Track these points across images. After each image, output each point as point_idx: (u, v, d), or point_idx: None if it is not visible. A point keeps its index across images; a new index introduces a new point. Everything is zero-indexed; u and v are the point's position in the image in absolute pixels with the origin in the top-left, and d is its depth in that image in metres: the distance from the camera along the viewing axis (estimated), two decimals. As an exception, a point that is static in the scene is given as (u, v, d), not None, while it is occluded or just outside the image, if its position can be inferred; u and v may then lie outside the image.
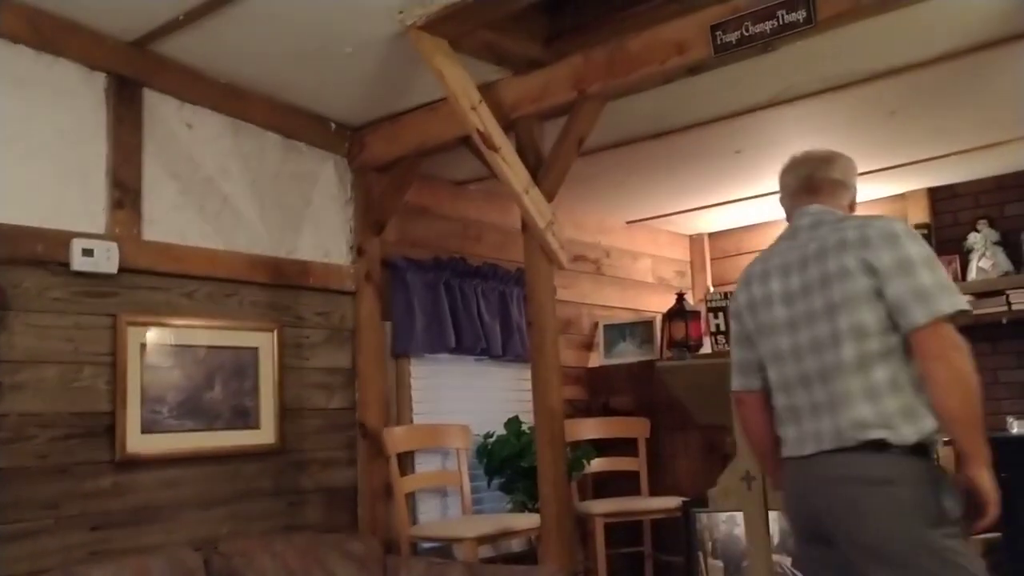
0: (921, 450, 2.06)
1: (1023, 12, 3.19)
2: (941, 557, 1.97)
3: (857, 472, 2.06)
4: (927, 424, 2.06)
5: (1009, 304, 4.92)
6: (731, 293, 2.47)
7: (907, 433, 2.04)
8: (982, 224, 5.20)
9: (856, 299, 2.10)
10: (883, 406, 2.06)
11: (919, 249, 2.10)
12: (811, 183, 2.38)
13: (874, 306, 2.09)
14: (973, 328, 5.17)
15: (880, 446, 2.04)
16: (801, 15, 2.92)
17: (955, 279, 5.15)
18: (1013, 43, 3.43)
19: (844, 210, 2.37)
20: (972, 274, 5.15)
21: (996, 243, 5.13)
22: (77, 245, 3.35)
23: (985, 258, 5.12)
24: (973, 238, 5.20)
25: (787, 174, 2.46)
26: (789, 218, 2.44)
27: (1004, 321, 4.93)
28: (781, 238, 2.39)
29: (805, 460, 2.18)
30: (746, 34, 3.05)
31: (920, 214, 5.46)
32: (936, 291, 2.04)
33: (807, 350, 2.19)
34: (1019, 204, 5.22)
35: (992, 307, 4.96)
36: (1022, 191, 5.22)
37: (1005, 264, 5.08)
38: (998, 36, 3.40)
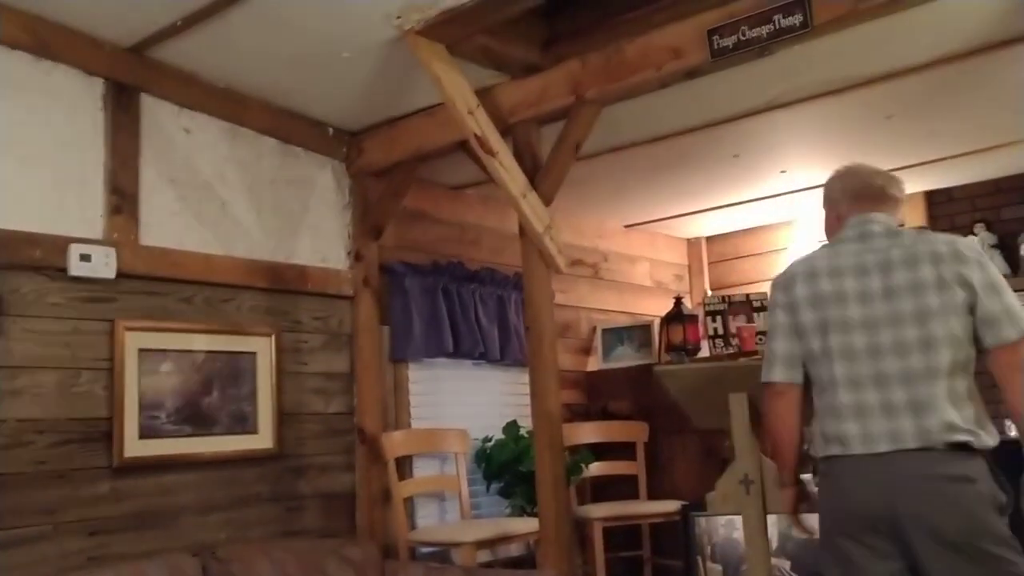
0: (989, 453, 2.23)
1: (1018, 16, 3.20)
2: (1006, 543, 2.17)
3: (944, 471, 2.18)
4: (995, 431, 2.27)
5: (1006, 307, 4.92)
6: (777, 283, 2.46)
7: (986, 439, 2.22)
8: (979, 227, 5.20)
9: (952, 309, 2.25)
10: (965, 412, 2.22)
11: (997, 271, 2.35)
12: (883, 195, 2.48)
13: (964, 319, 2.25)
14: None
15: (963, 448, 2.19)
16: (797, 19, 2.93)
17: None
18: (1009, 47, 3.44)
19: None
20: (969, 277, 5.14)
21: (993, 247, 5.13)
22: (75, 250, 3.35)
23: (982, 261, 5.12)
24: (970, 241, 5.20)
25: (853, 178, 2.53)
26: (838, 219, 2.49)
27: (1001, 324, 4.92)
28: (846, 239, 2.43)
29: (876, 457, 2.24)
30: (743, 39, 3.05)
31: (917, 218, 5.46)
32: (1020, 311, 2.27)
33: (888, 351, 2.27)
34: (1016, 207, 5.22)
35: (989, 310, 4.95)
36: (1019, 194, 5.22)
37: (1002, 267, 5.07)
38: (994, 40, 3.41)
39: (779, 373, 2.43)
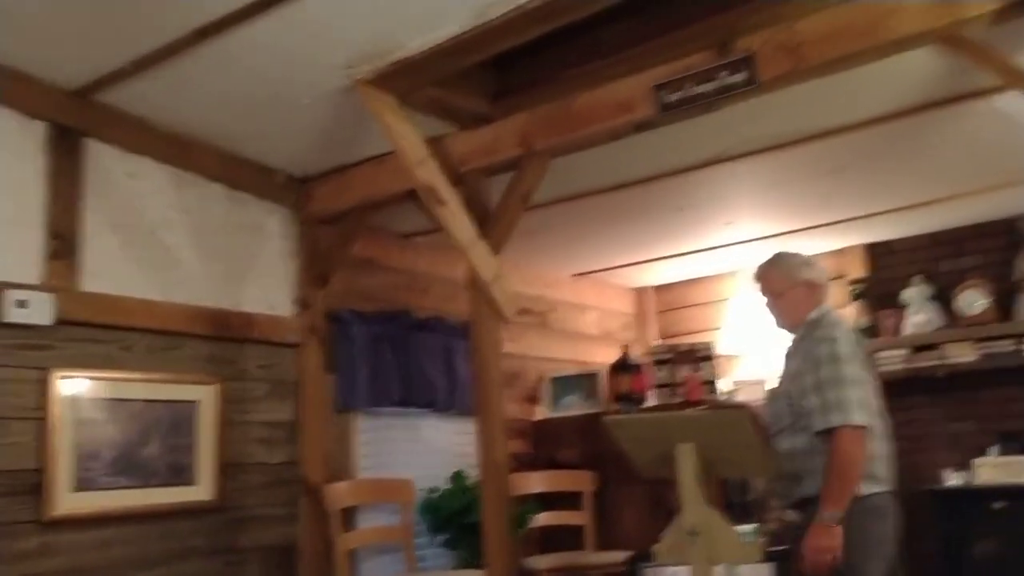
0: None
1: (955, 76, 3.31)
2: None
3: None
4: None
5: (944, 358, 5.03)
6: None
7: None
8: (917, 279, 5.33)
9: None
10: None
11: None
12: None
13: None
14: (912, 381, 5.25)
15: None
16: (743, 76, 3.00)
17: (893, 333, 5.27)
18: (946, 106, 3.56)
19: None
20: (908, 328, 5.26)
21: (931, 298, 5.25)
22: (10, 296, 3.26)
23: (921, 313, 5.23)
24: (909, 293, 5.31)
25: (822, 269, 3.01)
26: (817, 301, 2.92)
27: (939, 375, 5.04)
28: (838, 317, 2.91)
29: (894, 493, 2.80)
30: (689, 94, 3.12)
31: (858, 269, 5.60)
32: None
33: (879, 413, 2.81)
34: (953, 260, 5.36)
35: (928, 361, 5.08)
36: (956, 247, 5.37)
37: (940, 319, 5.20)
38: (933, 99, 3.53)
39: (870, 417, 2.72)
